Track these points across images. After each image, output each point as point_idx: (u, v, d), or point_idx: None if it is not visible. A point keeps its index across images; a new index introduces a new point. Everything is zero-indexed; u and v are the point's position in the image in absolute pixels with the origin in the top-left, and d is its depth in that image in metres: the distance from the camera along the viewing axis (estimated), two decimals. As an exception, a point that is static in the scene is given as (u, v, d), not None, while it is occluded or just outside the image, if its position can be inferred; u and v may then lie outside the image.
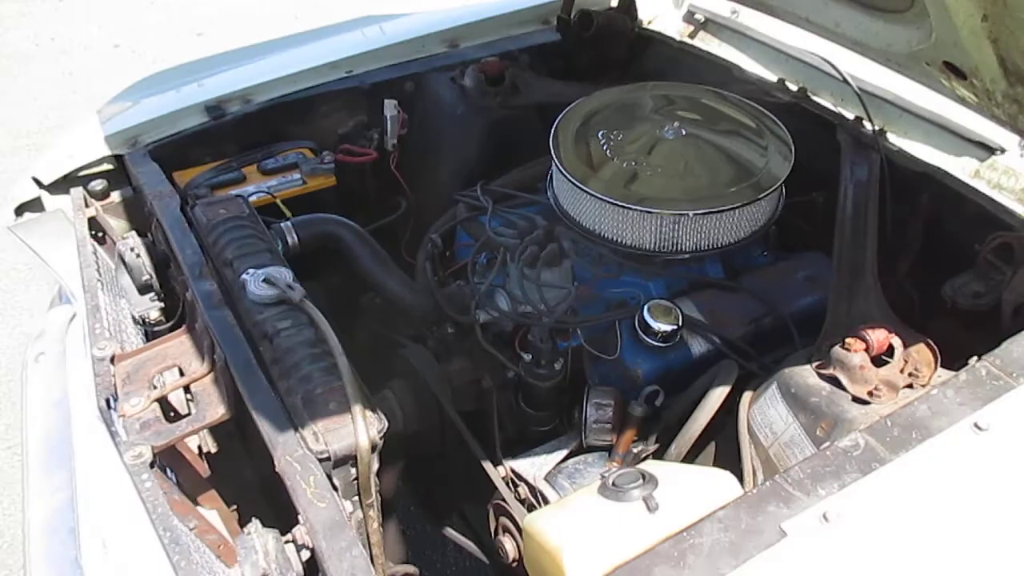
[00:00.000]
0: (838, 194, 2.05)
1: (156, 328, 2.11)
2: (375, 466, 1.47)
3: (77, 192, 2.26)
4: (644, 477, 1.39)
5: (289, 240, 2.00)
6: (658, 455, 1.82)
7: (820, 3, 2.10)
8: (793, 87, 2.43)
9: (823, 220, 2.20)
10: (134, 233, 2.03)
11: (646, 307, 1.88)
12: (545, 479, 1.76)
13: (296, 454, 1.40)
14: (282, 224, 2.02)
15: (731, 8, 2.68)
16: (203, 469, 1.89)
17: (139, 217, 2.24)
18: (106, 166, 2.34)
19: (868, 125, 2.21)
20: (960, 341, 1.67)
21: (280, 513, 1.82)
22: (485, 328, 1.99)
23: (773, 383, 1.67)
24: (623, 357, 1.89)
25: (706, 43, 2.75)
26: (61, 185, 2.33)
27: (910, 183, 2.10)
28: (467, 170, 2.53)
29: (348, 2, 7.03)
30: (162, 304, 2.04)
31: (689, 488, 1.41)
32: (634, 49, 2.82)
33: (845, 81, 2.29)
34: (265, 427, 1.44)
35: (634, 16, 2.77)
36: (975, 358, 1.54)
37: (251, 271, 1.73)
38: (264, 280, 1.70)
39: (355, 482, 1.48)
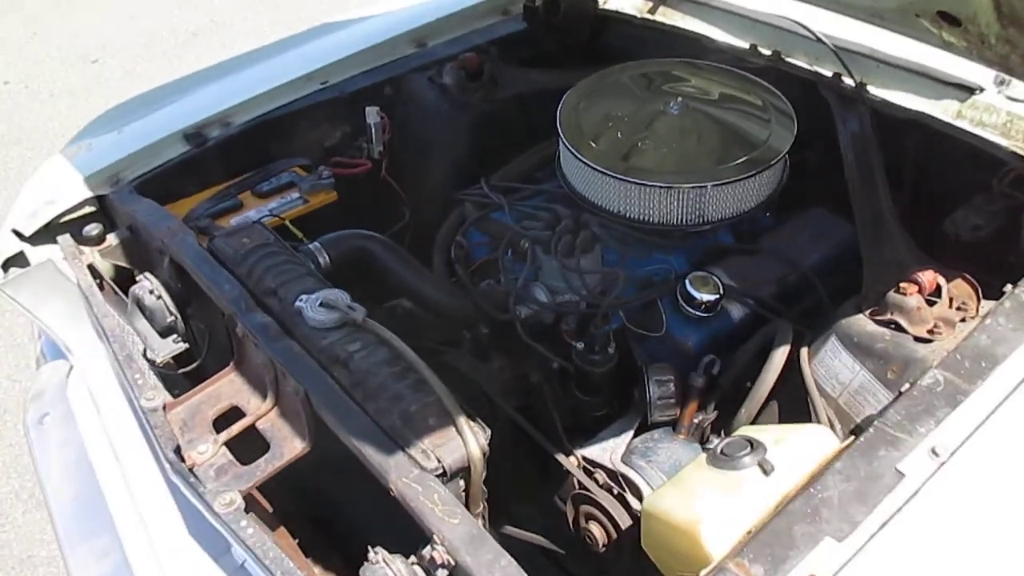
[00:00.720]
0: (840, 149, 2.14)
1: (181, 371, 2.02)
2: (484, 474, 1.47)
3: (67, 240, 2.14)
4: (752, 444, 1.43)
5: (321, 261, 1.95)
6: (720, 422, 1.87)
7: (796, -35, 2.18)
8: (766, 52, 2.50)
9: (818, 177, 2.29)
10: (148, 274, 1.93)
11: (687, 280, 1.92)
12: (623, 461, 1.78)
13: (412, 475, 1.38)
14: (311, 245, 1.97)
15: (695, -19, 2.73)
16: (268, 505, 1.84)
17: (140, 258, 2.14)
18: (88, 208, 2.22)
19: (848, 79, 2.30)
20: (967, 272, 1.78)
21: (339, 539, 1.79)
22: (524, 323, 1.99)
23: (831, 336, 1.74)
24: (671, 332, 1.93)
25: (669, 17, 2.80)
26: (43, 235, 2.19)
27: (898, 130, 2.20)
28: (459, 168, 2.52)
29: (250, 22, 6.87)
30: (187, 345, 1.96)
31: (793, 447, 1.46)
32: (595, 31, 2.84)
33: (819, 40, 2.38)
34: (369, 452, 1.41)
35: (595, -3, 2.80)
36: (1010, 286, 1.64)
37: (304, 297, 1.68)
38: (321, 304, 1.66)
39: (464, 493, 1.47)
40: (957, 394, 1.44)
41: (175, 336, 1.95)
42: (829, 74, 2.37)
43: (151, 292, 1.90)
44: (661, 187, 1.97)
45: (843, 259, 2.04)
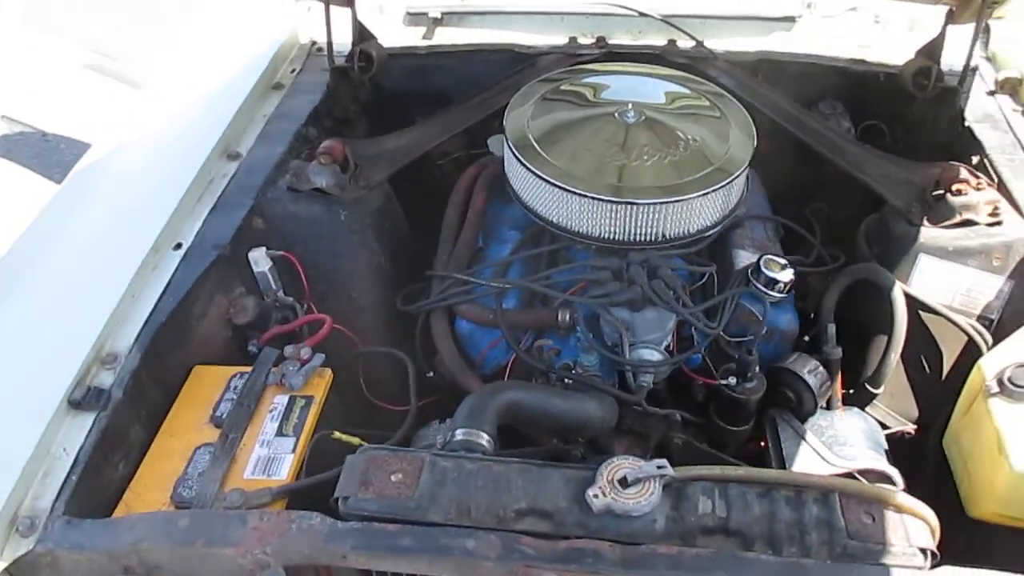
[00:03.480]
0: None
1: None
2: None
3: None
4: (1031, 365, 1.54)
5: (487, 445, 1.49)
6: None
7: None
8: (589, 40, 2.49)
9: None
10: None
11: (762, 267, 1.90)
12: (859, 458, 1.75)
13: None
14: (461, 437, 1.49)
15: (458, -7, 2.55)
16: None
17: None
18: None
19: (686, 41, 2.43)
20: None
21: None
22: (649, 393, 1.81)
23: (919, 257, 1.90)
24: (771, 324, 1.90)
25: (453, 37, 2.60)
26: None
27: (754, 69, 2.41)
28: (386, 274, 2.10)
29: None
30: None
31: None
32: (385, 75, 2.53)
33: (641, 14, 2.45)
34: None
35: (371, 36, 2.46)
36: None
37: (593, 491, 1.30)
38: (624, 482, 1.30)
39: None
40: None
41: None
42: (663, 43, 2.45)
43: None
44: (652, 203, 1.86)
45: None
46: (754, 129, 2.02)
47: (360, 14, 2.38)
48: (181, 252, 1.84)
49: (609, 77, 2.22)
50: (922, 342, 1.92)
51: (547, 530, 1.30)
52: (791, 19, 2.48)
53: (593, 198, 1.85)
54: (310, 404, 1.67)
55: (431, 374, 2.06)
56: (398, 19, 2.63)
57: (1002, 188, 1.95)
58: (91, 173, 2.07)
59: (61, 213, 1.97)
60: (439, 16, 2.59)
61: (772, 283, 1.89)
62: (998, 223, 1.88)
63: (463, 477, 1.35)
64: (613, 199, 1.85)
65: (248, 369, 1.73)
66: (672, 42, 2.45)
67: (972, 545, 1.54)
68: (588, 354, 1.87)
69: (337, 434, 1.60)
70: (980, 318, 1.90)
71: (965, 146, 2.13)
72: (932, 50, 2.22)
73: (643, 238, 1.90)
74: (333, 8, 2.34)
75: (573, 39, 2.50)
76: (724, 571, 1.22)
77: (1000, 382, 1.57)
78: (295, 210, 2.03)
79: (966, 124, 2.16)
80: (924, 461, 1.90)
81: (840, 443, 1.81)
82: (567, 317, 1.90)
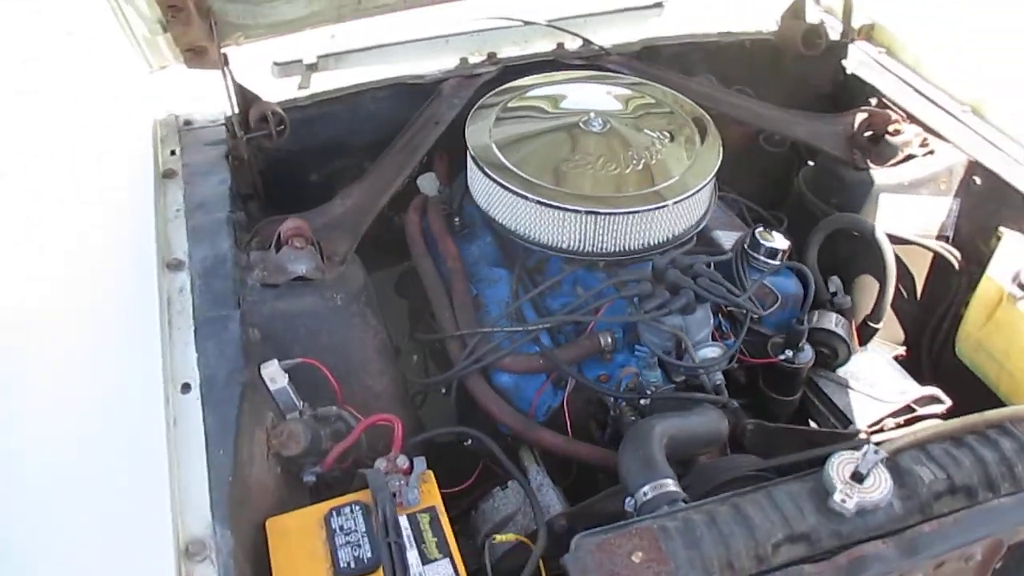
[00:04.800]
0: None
1: None
2: None
3: None
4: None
5: (679, 489, 1.39)
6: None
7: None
8: (479, 58, 2.41)
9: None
10: None
11: (758, 239, 1.97)
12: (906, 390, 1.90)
13: None
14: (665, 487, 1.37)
15: (329, 33, 2.33)
16: None
17: None
18: None
19: (571, 44, 2.44)
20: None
21: None
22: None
23: (879, 197, 2.09)
24: (781, 292, 1.99)
25: (333, 81, 2.37)
26: None
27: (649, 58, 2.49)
28: (391, 351, 1.90)
29: None
30: None
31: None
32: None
33: (526, 23, 2.42)
34: None
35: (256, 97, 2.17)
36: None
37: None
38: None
39: None
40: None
41: None
42: (552, 47, 2.44)
43: None
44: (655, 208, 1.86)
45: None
46: (713, 124, 2.06)
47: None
48: (194, 394, 1.51)
49: (558, 87, 2.17)
50: (897, 272, 2.11)
51: (804, 552, 1.26)
52: (660, 4, 2.57)
53: (586, 212, 1.80)
54: (437, 515, 1.45)
55: (468, 442, 1.90)
56: (264, 73, 2.34)
57: (913, 121, 2.19)
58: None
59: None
60: (314, 61, 2.34)
61: (773, 253, 1.97)
62: (931, 152, 2.12)
63: (704, 531, 1.26)
64: (604, 211, 1.81)
65: (338, 502, 1.47)
66: (560, 45, 2.44)
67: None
68: (651, 370, 1.83)
69: (498, 537, 1.41)
70: (939, 237, 2.13)
71: (855, 92, 2.36)
72: (798, 10, 2.43)
73: (634, 246, 1.88)
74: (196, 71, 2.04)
75: (464, 60, 2.39)
76: (984, 527, 1.26)
77: (1021, 286, 1.77)
78: (285, 308, 1.75)
79: (848, 73, 2.39)
80: (919, 375, 2.09)
81: (878, 382, 1.95)
82: (609, 340, 1.84)
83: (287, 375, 1.64)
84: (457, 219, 2.19)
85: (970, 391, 1.91)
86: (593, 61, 2.41)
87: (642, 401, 1.76)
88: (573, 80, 2.20)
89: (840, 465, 1.31)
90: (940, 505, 1.31)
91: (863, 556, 1.22)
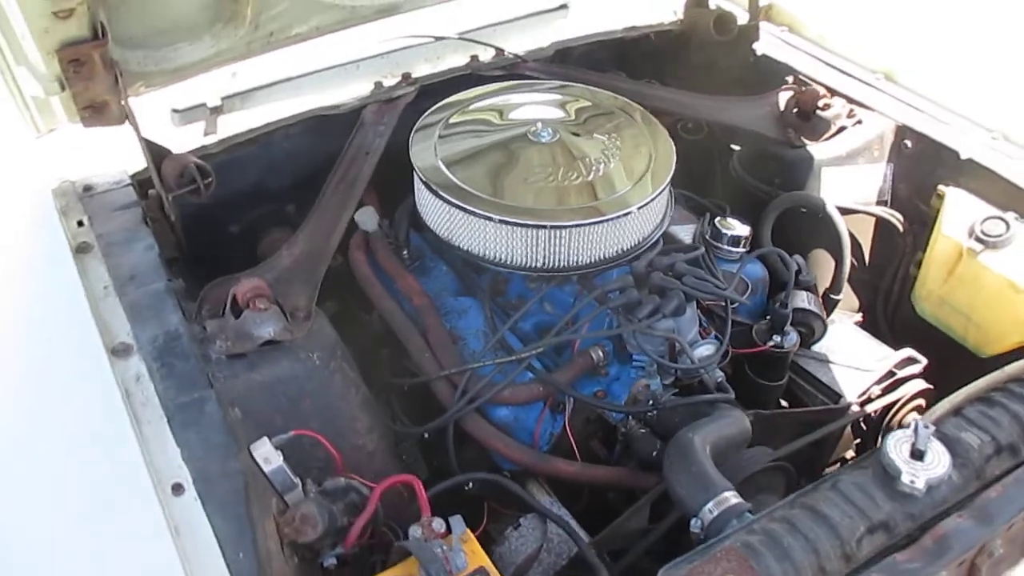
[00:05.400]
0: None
1: None
2: None
3: None
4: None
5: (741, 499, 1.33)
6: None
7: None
8: (394, 80, 2.29)
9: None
10: None
11: (720, 230, 1.97)
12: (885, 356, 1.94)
13: None
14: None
15: (230, 71, 2.14)
16: None
17: None
18: None
19: (484, 55, 2.37)
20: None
21: None
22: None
23: (821, 171, 2.13)
24: (750, 277, 1.99)
25: (241, 123, 2.18)
26: None
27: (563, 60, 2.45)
28: (372, 403, 1.77)
29: None
30: None
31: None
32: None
33: (438, 38, 2.33)
34: None
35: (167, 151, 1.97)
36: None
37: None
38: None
39: None
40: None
41: None
42: (466, 60, 2.36)
43: None
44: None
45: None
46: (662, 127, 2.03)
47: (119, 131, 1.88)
48: (190, 494, 1.32)
49: (496, 99, 2.08)
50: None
51: (885, 541, 1.24)
52: (564, 6, 2.53)
53: (553, 227, 1.73)
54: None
55: (470, 487, 1.79)
56: (163, 123, 2.12)
57: (834, 95, 2.25)
58: None
59: None
60: (218, 104, 2.14)
61: (736, 240, 1.97)
62: (859, 122, 2.18)
63: (790, 540, 1.22)
64: (573, 223, 1.74)
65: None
66: (475, 58, 2.36)
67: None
68: (651, 378, 1.78)
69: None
70: (878, 203, 2.19)
71: (768, 73, 2.40)
72: (702, -1, 2.46)
73: (606, 255, 1.82)
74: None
75: (379, 84, 2.26)
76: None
77: (978, 239, 1.85)
78: (262, 378, 1.58)
79: (759, 54, 2.43)
80: (880, 338, 2.15)
81: (854, 352, 1.98)
82: (601, 355, 1.78)
83: (280, 452, 1.47)
84: (405, 252, 2.06)
85: (931, 346, 1.96)
86: (510, 70, 2.34)
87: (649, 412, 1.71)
88: (507, 90, 2.11)
89: (897, 445, 1.30)
90: (991, 468, 1.33)
91: (945, 534, 1.21)
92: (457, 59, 2.35)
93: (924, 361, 1.91)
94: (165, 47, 1.79)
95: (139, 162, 2.02)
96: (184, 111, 2.11)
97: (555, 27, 2.53)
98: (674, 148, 1.92)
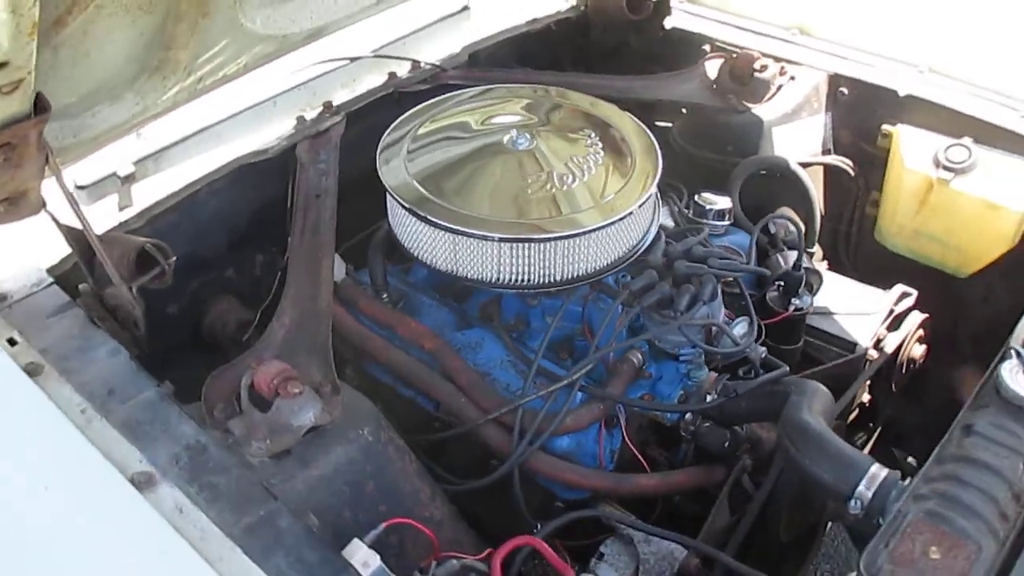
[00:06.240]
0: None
1: None
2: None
3: None
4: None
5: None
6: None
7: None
8: (315, 111, 2.07)
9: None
10: None
11: (701, 204, 1.95)
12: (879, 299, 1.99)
13: None
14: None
15: (133, 134, 1.84)
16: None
17: None
18: None
19: (401, 69, 2.21)
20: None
21: None
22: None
23: (771, 131, 2.15)
24: (737, 247, 1.98)
25: (159, 187, 1.89)
26: None
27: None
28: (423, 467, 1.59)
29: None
30: None
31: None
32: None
33: (353, 59, 2.15)
34: None
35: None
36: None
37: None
38: None
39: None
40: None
41: None
42: (384, 79, 2.19)
43: None
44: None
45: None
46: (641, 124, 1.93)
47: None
48: None
49: (468, 105, 1.93)
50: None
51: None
52: (466, 8, 2.40)
53: (557, 238, 1.61)
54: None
55: (538, 528, 1.65)
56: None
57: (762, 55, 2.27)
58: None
59: None
60: (130, 171, 1.82)
61: (721, 214, 1.96)
62: (792, 78, 2.22)
63: (964, 497, 1.19)
64: (578, 231, 1.62)
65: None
66: (393, 74, 2.19)
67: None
68: (699, 370, 1.71)
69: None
70: (824, 152, 2.25)
71: (682, 45, 2.41)
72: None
73: (608, 262, 1.71)
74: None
75: (301, 118, 2.04)
76: None
77: (946, 168, 1.93)
78: (320, 472, 1.36)
79: (669, 28, 2.43)
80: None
81: (849, 298, 2.01)
82: (640, 357, 1.70)
83: (377, 554, 1.26)
84: (385, 296, 1.88)
85: (898, 278, 2.02)
86: (432, 81, 2.19)
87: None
88: (461, 99, 1.96)
89: (1013, 376, 1.31)
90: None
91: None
92: (374, 79, 2.17)
93: (914, 293, 1.97)
94: (83, 114, 1.49)
95: (50, 255, 1.71)
96: (91, 186, 1.79)
97: (461, 30, 2.39)
98: (652, 137, 1.85)
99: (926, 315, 1.96)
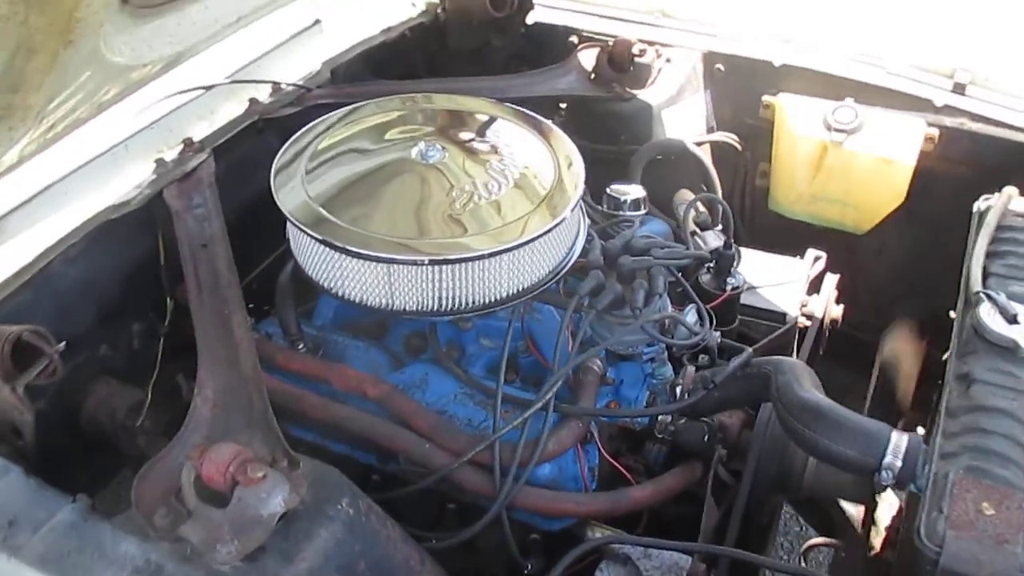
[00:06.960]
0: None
1: None
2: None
3: None
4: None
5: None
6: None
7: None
8: (176, 149, 1.81)
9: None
10: None
11: (613, 195, 1.88)
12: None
13: None
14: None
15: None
16: None
17: None
18: None
19: (261, 93, 2.00)
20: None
21: None
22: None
23: (660, 114, 2.13)
24: (657, 234, 1.93)
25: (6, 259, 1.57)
26: None
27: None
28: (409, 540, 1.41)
29: None
30: None
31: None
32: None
33: (208, 88, 1.90)
34: None
35: None
36: None
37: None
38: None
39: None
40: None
41: None
42: (245, 106, 1.96)
43: None
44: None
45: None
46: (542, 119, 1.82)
47: None
48: None
49: (369, 120, 1.75)
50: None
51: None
52: (317, 21, 2.19)
53: (492, 254, 1.46)
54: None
55: (528, 570, 1.52)
56: None
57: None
58: None
59: None
60: None
61: (636, 204, 1.90)
62: (668, 60, 2.21)
63: (993, 445, 1.19)
64: (511, 244, 1.47)
65: None
66: (254, 100, 1.96)
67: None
68: (663, 367, 1.64)
69: None
70: (708, 130, 2.25)
71: (546, 39, 2.34)
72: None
73: (545, 272, 1.58)
74: None
75: (160, 160, 1.76)
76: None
77: (836, 130, 1.98)
78: (309, 564, 1.15)
79: (529, 24, 2.35)
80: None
81: (764, 270, 2.02)
82: (600, 364, 1.61)
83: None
84: (301, 346, 1.67)
85: (795, 241, 2.06)
86: (299, 104, 1.98)
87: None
88: (357, 115, 1.77)
89: (992, 320, 1.32)
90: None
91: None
92: (234, 107, 1.93)
93: (823, 255, 2.01)
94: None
95: None
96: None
97: (315, 46, 2.18)
98: (567, 137, 1.75)
99: (838, 275, 1.99)
